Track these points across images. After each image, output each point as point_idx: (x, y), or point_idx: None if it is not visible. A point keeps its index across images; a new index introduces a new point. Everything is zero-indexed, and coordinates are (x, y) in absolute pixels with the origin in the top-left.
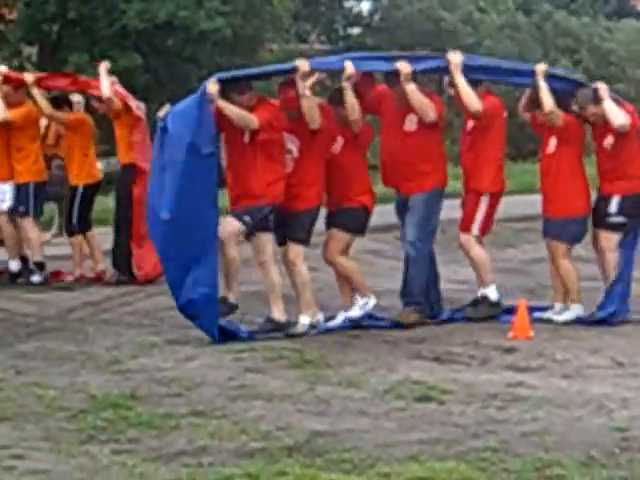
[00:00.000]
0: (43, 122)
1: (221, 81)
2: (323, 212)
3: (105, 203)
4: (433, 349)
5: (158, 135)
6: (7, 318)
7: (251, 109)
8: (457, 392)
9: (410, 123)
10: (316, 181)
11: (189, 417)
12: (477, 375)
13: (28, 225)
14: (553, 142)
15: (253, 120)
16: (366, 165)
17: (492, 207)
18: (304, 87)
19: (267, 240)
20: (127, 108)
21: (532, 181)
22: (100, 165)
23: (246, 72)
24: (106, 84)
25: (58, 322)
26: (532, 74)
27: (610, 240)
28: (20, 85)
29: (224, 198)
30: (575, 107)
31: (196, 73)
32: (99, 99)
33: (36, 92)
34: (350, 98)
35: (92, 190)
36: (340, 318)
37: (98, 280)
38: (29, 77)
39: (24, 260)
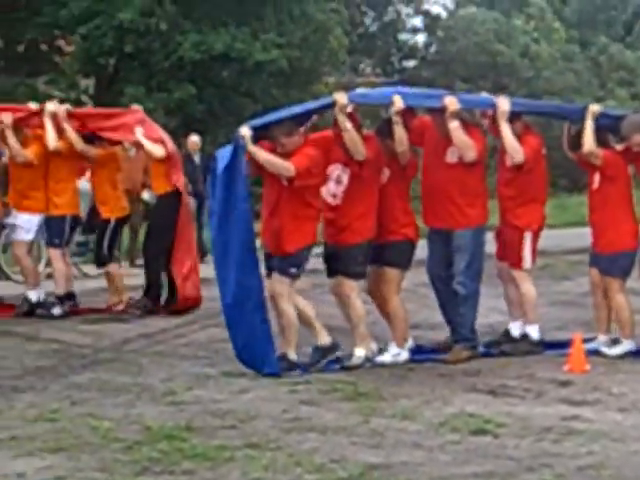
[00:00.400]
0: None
1: (256, 128)
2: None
3: None
4: (488, 382)
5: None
6: (62, 349)
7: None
8: (512, 425)
9: (452, 155)
10: (366, 213)
11: (243, 449)
12: (532, 408)
13: (57, 256)
14: (597, 178)
15: (289, 169)
16: (410, 197)
17: (535, 242)
18: (344, 120)
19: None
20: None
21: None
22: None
23: (282, 114)
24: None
25: (113, 353)
26: (581, 112)
27: None
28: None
29: None
30: (614, 141)
31: (251, 107)
32: (109, 142)
33: (67, 127)
34: (399, 130)
35: (122, 223)
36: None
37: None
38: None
39: (72, 296)
